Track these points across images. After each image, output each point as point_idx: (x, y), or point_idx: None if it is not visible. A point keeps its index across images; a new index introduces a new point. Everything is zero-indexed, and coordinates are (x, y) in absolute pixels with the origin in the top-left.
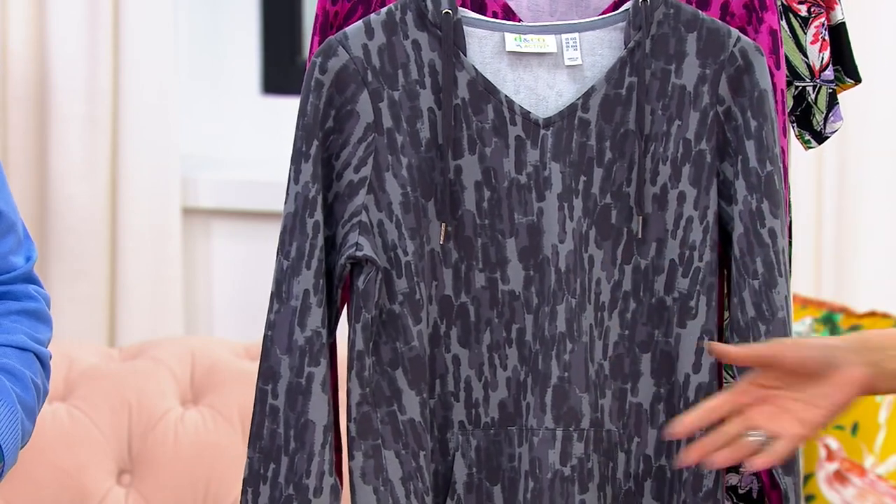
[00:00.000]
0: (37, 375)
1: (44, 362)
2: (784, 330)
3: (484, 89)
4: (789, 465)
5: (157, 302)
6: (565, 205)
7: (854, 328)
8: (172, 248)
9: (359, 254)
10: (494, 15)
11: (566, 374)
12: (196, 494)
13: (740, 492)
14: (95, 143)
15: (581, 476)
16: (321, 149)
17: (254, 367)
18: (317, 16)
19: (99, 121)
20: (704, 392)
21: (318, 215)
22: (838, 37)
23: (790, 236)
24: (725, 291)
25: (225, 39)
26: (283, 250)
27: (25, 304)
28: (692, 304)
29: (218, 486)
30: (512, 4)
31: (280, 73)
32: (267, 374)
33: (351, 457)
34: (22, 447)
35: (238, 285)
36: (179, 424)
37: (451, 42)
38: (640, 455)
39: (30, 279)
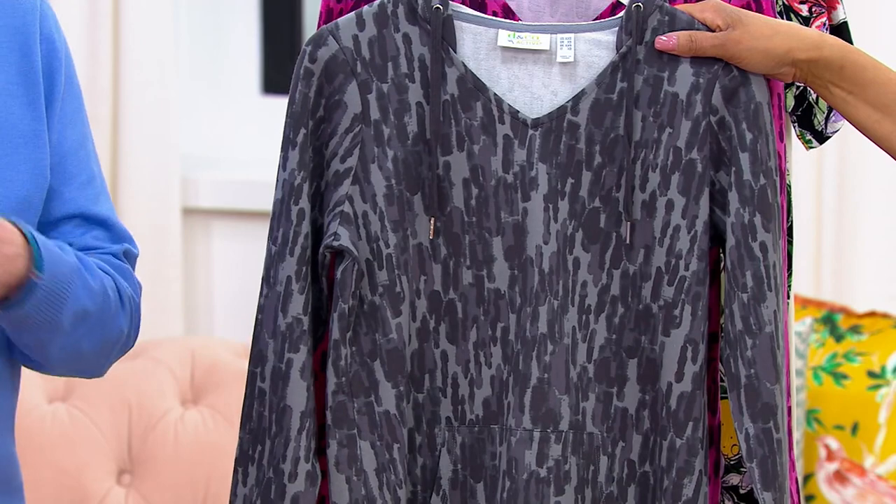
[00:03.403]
0: (105, 282)
1: (121, 292)
2: (771, 344)
3: (473, 86)
4: (769, 479)
5: (157, 302)
6: (550, 206)
7: (854, 328)
8: (172, 248)
9: (335, 243)
10: (494, 14)
11: (546, 375)
12: (196, 494)
13: (741, 492)
14: (95, 143)
15: (557, 478)
16: (312, 137)
17: None
18: (321, 14)
19: (99, 120)
20: (686, 401)
21: (304, 203)
22: (840, 36)
23: (791, 236)
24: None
25: (225, 39)
26: (271, 236)
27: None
28: (676, 313)
29: (218, 486)
30: (512, 5)
31: (280, 73)
32: (256, 357)
33: (327, 445)
34: (73, 312)
35: (238, 285)
36: (179, 424)
37: (440, 37)
38: (624, 460)
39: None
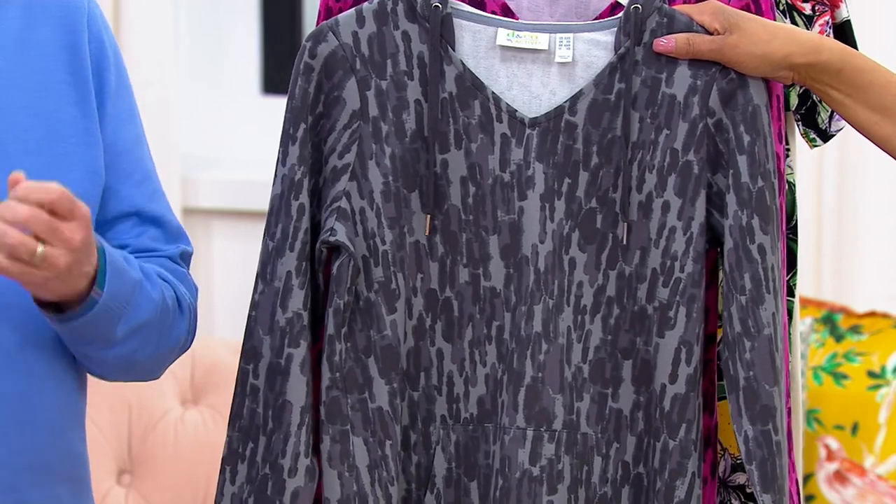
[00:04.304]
0: (165, 291)
1: (181, 300)
2: (769, 347)
3: (471, 85)
4: (769, 481)
5: None
6: (546, 205)
7: (854, 328)
8: None
9: (332, 239)
10: (493, 14)
11: (540, 374)
12: (196, 494)
13: (748, 490)
14: None
15: (550, 477)
16: (311, 133)
17: None
18: (319, 13)
19: None
20: (680, 403)
21: (304, 198)
22: (844, 35)
23: (795, 235)
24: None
25: (225, 39)
26: (268, 232)
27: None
28: (671, 314)
29: None
30: (512, 5)
31: (280, 72)
32: (249, 353)
33: (320, 440)
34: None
35: (238, 285)
36: (179, 424)
37: (438, 35)
38: (618, 461)
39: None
